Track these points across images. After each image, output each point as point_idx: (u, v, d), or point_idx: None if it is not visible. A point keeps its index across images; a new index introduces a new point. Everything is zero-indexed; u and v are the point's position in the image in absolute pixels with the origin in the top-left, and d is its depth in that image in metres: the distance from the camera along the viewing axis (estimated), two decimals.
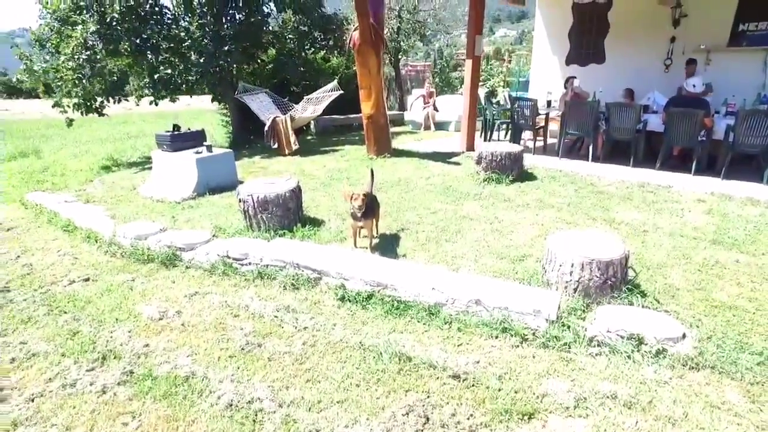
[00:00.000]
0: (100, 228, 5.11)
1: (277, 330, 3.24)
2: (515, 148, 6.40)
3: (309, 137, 11.55)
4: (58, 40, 8.52)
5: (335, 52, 10.95)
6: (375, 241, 4.39)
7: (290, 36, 10.31)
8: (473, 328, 3.14)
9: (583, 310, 3.16)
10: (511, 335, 3.05)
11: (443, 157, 7.89)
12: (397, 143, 9.55)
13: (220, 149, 6.92)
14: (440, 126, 12.28)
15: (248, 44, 9.70)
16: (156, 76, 9.03)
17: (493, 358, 2.88)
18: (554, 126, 9.30)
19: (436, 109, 12.35)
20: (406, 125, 13.08)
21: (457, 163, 7.49)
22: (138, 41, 8.59)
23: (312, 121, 11.90)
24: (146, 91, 9.67)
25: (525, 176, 6.47)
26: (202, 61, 8.89)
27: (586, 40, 10.33)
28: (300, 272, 3.83)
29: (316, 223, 4.97)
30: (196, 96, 11.08)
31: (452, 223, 4.91)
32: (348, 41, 7.97)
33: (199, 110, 21.28)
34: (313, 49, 10.81)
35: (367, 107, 7.71)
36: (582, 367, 2.77)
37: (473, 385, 2.65)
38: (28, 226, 5.68)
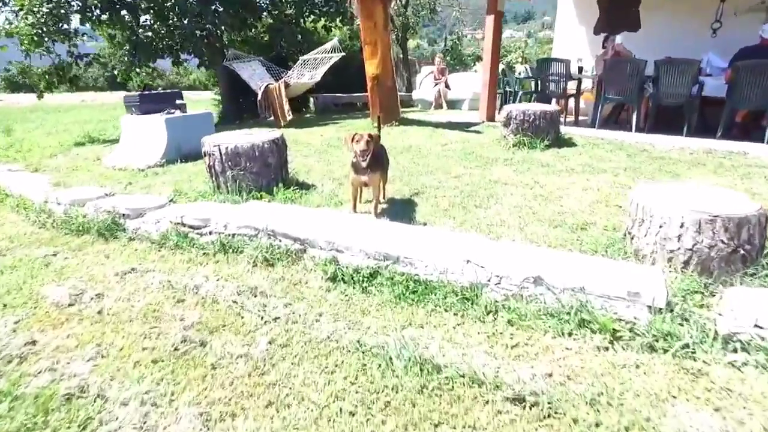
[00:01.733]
0: (36, 196, 4.05)
1: (234, 321, 2.16)
2: (550, 107, 5.29)
3: (308, 115, 10.45)
4: None
5: (337, 20, 9.82)
6: (382, 206, 3.31)
7: (288, 0, 9.22)
8: (532, 320, 2.04)
9: (703, 294, 2.06)
10: (594, 331, 1.96)
11: (460, 127, 6.78)
12: (405, 116, 8.45)
13: (197, 111, 5.85)
14: (452, 105, 11.15)
15: (238, 6, 8.61)
16: (134, 39, 7.97)
17: (571, 367, 1.79)
18: (583, 104, 8.20)
19: (447, 86, 11.23)
20: (415, 105, 11.95)
21: (478, 132, 6.38)
22: None
23: (312, 99, 10.81)
24: (126, 59, 8.60)
25: (562, 142, 5.35)
26: (185, 22, 7.81)
27: (619, 5, 9.14)
28: (277, 242, 2.75)
29: (305, 186, 3.88)
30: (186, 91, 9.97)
31: (481, 187, 3.81)
32: None
33: (188, 100, 20.27)
34: (312, 17, 9.70)
35: (371, 66, 6.58)
36: (725, 384, 1.67)
37: (550, 416, 1.56)
38: None
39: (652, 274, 2.05)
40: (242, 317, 2.19)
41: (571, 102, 7.57)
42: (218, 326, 2.12)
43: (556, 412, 1.57)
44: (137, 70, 8.42)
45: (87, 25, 8.39)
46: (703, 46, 7.81)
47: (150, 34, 7.96)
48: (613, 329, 1.94)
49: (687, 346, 1.82)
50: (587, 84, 8.15)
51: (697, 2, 7.99)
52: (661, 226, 2.15)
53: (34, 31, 6.73)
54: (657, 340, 1.87)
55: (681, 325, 1.91)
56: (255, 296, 2.35)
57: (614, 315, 1.99)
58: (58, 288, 2.53)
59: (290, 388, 1.72)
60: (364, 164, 2.91)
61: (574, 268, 2.12)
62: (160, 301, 2.38)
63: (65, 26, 7.21)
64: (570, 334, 1.97)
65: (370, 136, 2.86)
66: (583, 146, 5.25)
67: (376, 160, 2.97)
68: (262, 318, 2.17)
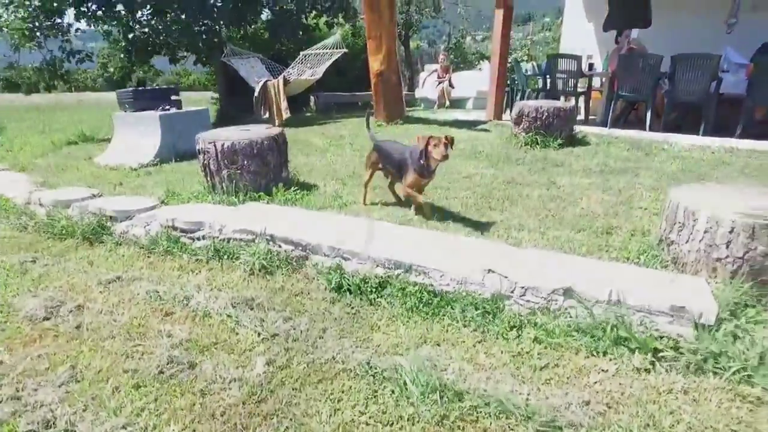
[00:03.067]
0: (18, 197, 3.83)
1: (228, 339, 1.94)
2: (565, 104, 5.06)
3: (308, 114, 10.21)
4: None
5: (340, 15, 9.58)
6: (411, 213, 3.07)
7: None
8: (561, 337, 1.82)
9: (755, 306, 1.83)
10: (632, 350, 1.74)
11: (467, 125, 6.54)
12: (409, 115, 8.21)
13: (193, 107, 5.62)
14: (456, 104, 10.91)
15: (240, 3, 8.38)
16: (131, 36, 7.73)
17: (610, 393, 1.57)
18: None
19: (451, 85, 10.97)
20: (417, 104, 11.71)
21: (486, 130, 6.15)
22: None
23: (312, 98, 10.57)
24: (123, 56, 8.36)
25: (575, 141, 5.12)
26: (183, 17, 7.58)
27: (629, 1, 8.89)
28: (276, 248, 2.52)
29: (306, 187, 3.65)
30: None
31: (495, 188, 3.58)
32: None
33: (187, 100, 20.03)
34: (314, 12, 9.46)
35: (376, 62, 6.33)
36: None
37: None
38: None
39: (697, 286, 1.83)
40: (237, 333, 1.96)
41: (581, 101, 7.33)
42: (209, 344, 1.89)
43: None
44: (134, 68, 8.18)
45: (83, 21, 8.17)
46: (718, 43, 7.54)
47: (147, 30, 7.71)
48: (655, 348, 1.72)
49: (743, 370, 1.60)
50: (597, 82, 7.91)
51: None
52: (706, 232, 1.92)
53: (26, 25, 6.50)
54: (705, 361, 1.65)
55: (733, 343, 1.68)
56: (251, 309, 2.13)
57: (655, 332, 1.77)
58: (33, 299, 2.30)
59: (291, 420, 1.49)
60: (433, 167, 2.81)
61: (608, 279, 1.90)
62: (146, 314, 2.15)
63: (58, 20, 6.97)
64: (605, 354, 1.75)
65: (446, 138, 2.71)
66: (598, 145, 5.02)
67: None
68: (259, 335, 1.94)
